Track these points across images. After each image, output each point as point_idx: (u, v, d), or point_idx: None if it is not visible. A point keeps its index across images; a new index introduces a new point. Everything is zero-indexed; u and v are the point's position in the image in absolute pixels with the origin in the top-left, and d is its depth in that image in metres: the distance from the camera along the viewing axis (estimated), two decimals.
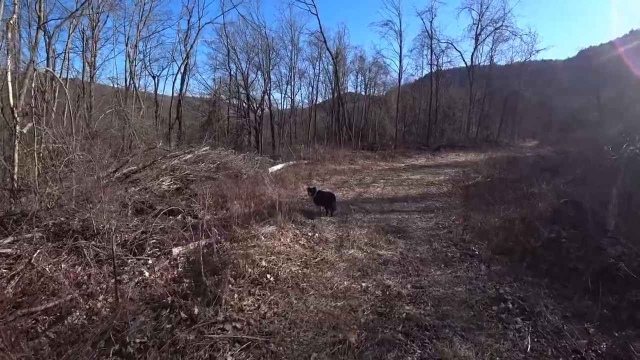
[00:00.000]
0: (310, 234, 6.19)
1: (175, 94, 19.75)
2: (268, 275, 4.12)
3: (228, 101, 21.50)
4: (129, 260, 5.56)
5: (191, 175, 11.55)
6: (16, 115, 6.56)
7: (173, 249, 5.75)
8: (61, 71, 14.56)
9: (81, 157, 9.03)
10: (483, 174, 11.92)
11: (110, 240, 5.81)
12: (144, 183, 10.19)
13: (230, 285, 3.80)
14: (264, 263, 4.38)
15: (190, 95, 21.11)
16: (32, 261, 4.87)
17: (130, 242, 6.11)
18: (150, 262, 5.66)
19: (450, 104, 30.51)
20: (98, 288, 4.71)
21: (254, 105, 21.63)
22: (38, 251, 5.08)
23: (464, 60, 29.24)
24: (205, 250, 5.41)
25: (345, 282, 4.25)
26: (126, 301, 4.15)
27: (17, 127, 6.55)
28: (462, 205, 8.24)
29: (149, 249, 5.91)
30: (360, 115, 28.58)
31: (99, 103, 14.28)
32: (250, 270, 4.14)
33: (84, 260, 5.43)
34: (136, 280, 5.02)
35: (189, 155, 12.80)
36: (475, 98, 29.34)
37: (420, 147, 22.47)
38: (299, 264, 4.73)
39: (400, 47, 27.18)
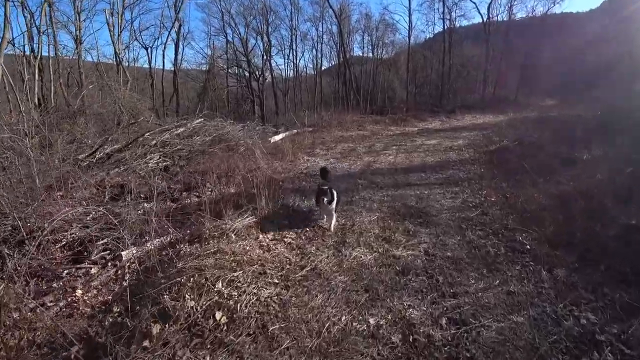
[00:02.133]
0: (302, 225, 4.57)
1: (170, 66, 17.96)
2: (217, 314, 2.50)
3: (227, 70, 19.43)
4: (65, 273, 4.10)
5: (183, 151, 10.08)
6: None
7: (123, 253, 4.26)
8: (48, 49, 12.79)
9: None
10: (508, 138, 10.00)
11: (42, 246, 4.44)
12: (130, 162, 8.73)
13: (147, 342, 2.25)
14: (219, 286, 2.78)
15: (188, 67, 19.26)
16: None
17: (78, 242, 4.66)
18: (93, 270, 4.22)
19: (464, 63, 27.55)
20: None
21: (256, 72, 19.55)
22: None
23: (479, 13, 26.35)
24: (158, 258, 3.90)
25: (343, 318, 2.63)
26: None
27: None
28: (491, 176, 6.48)
29: (96, 251, 4.45)
30: (368, 78, 25.90)
31: (86, 80, 12.58)
32: (191, 304, 2.55)
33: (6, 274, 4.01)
34: (62, 304, 3.57)
35: (181, 129, 11.26)
36: (492, 55, 26.45)
37: (433, 110, 20.23)
38: (276, 280, 3.11)
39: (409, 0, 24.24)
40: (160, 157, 9.40)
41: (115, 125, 10.66)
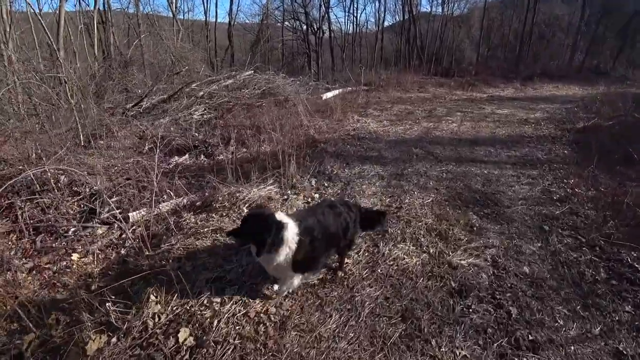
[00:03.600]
0: None
1: (225, 17, 16.94)
2: (182, 333, 1.68)
3: (283, 22, 17.94)
4: (71, 231, 3.63)
5: (230, 103, 9.49)
6: None
7: (130, 214, 3.70)
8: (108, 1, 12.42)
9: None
10: (601, 114, 8.02)
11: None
12: (175, 113, 8.33)
13: None
14: (202, 284, 2.03)
15: (243, 19, 18.10)
16: None
17: (91, 198, 4.19)
18: (99, 231, 3.72)
19: (550, 23, 23.44)
20: None
21: (314, 25, 17.89)
22: None
23: None
24: (164, 225, 3.25)
25: None
26: None
27: None
28: (578, 161, 5.00)
29: (107, 209, 3.93)
30: (434, 37, 22.85)
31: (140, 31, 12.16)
32: (155, 309, 1.77)
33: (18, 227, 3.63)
34: (56, 268, 3.09)
35: (230, 81, 10.64)
36: (586, 16, 22.09)
37: (507, 75, 17.46)
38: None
39: None
40: (205, 109, 8.94)
41: (164, 76, 10.22)
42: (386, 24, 23.40)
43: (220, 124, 7.53)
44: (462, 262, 2.57)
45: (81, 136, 6.19)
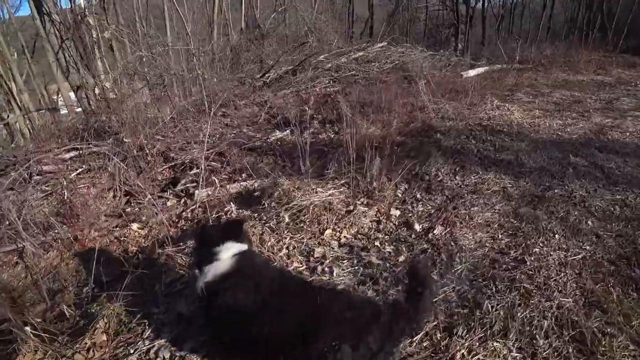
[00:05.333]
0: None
1: None
2: None
3: None
4: (146, 199, 3.46)
5: (357, 76, 8.76)
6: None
7: (196, 191, 3.30)
8: None
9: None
10: None
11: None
12: (298, 85, 8.09)
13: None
14: None
15: None
16: None
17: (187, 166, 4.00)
18: (169, 203, 3.45)
19: None
20: None
21: None
22: None
23: None
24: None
25: None
26: None
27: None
28: None
29: (184, 181, 3.64)
30: (628, 3, 16.16)
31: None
32: None
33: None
34: (120, 232, 2.90)
35: (360, 53, 9.80)
36: None
37: None
38: None
39: None
40: (329, 82, 8.41)
41: (290, 47, 10.00)
42: None
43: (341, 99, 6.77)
44: None
45: (205, 104, 6.34)
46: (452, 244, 2.12)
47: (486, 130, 4.70)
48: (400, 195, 2.75)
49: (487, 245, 2.19)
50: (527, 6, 16.37)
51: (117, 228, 3.09)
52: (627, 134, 4.48)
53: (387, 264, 1.97)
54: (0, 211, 2.62)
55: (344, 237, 2.18)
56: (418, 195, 2.74)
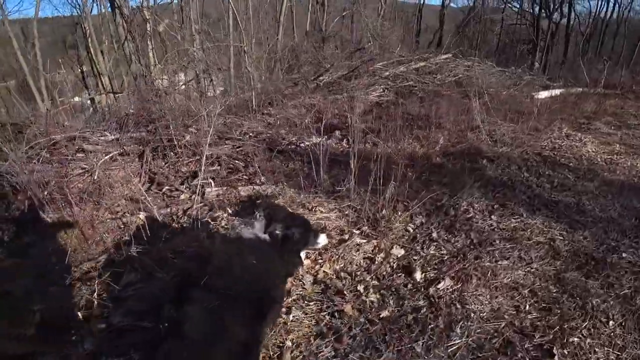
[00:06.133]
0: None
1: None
2: None
3: (505, 1, 13.52)
4: (161, 191, 3.39)
5: (416, 88, 8.28)
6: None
7: (207, 189, 3.14)
8: None
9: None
10: None
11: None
12: (353, 91, 7.85)
13: None
14: None
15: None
16: None
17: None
18: (182, 197, 3.34)
19: None
20: None
21: (550, 6, 13.05)
22: None
23: None
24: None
25: None
26: None
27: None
28: None
29: (201, 176, 3.52)
30: None
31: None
32: None
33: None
34: (126, 220, 2.83)
35: (422, 63, 9.26)
36: None
37: None
38: None
39: None
40: (383, 90, 8.04)
41: (350, 52, 9.72)
42: None
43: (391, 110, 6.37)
44: None
45: (254, 101, 6.31)
46: (458, 305, 1.62)
47: (546, 162, 3.96)
48: (411, 230, 2.25)
49: (506, 317, 1.62)
50: (623, 24, 14.07)
51: (128, 214, 3.05)
52: None
53: (363, 318, 1.57)
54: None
55: (324, 271, 1.79)
56: (434, 234, 2.20)
